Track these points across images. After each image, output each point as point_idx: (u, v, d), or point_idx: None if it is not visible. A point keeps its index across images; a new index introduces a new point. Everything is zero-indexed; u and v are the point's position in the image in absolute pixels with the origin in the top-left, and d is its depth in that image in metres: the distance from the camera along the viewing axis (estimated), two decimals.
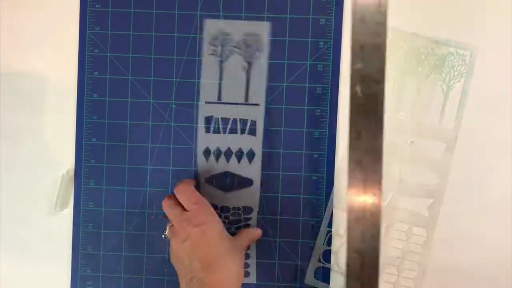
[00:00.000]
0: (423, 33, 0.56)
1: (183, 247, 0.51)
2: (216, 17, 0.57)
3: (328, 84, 0.57)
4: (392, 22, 0.55)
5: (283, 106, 0.57)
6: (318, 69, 0.57)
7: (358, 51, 0.40)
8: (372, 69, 0.40)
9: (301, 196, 0.57)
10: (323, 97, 0.57)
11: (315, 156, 0.57)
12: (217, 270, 0.50)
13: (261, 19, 0.57)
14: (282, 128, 0.57)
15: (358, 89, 0.40)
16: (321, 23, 0.56)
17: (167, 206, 0.53)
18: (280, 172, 0.57)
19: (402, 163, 0.56)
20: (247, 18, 0.57)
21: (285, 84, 0.57)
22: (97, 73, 0.58)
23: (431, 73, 0.56)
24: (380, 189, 0.40)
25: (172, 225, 0.53)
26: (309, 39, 0.56)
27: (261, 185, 0.57)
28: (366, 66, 0.40)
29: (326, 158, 0.57)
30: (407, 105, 0.56)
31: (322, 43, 0.56)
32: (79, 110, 0.58)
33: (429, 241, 0.56)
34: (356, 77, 0.40)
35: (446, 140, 0.56)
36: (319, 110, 0.57)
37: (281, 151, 0.57)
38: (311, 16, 0.56)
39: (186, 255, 0.51)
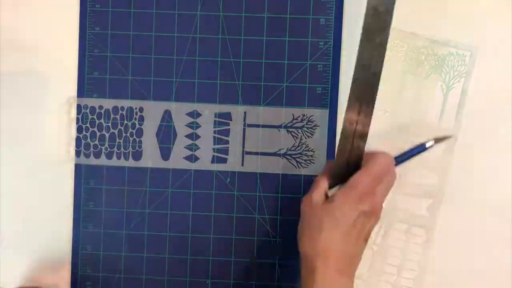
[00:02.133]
0: (423, 33, 0.56)
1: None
2: (216, 17, 0.57)
3: (328, 84, 0.57)
4: (392, 22, 0.56)
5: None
6: (318, 69, 0.57)
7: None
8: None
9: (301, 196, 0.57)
10: (323, 97, 0.57)
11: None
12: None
13: (261, 19, 0.57)
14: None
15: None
16: (321, 22, 0.56)
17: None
18: (280, 172, 0.57)
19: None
20: (247, 18, 0.57)
21: (285, 84, 0.57)
22: (97, 73, 0.58)
23: (431, 73, 0.56)
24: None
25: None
26: (309, 39, 0.56)
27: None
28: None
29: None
30: (407, 105, 0.56)
31: (322, 43, 0.56)
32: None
33: (429, 241, 0.56)
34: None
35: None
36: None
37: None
38: (311, 16, 0.56)
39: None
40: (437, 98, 0.56)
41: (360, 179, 0.47)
